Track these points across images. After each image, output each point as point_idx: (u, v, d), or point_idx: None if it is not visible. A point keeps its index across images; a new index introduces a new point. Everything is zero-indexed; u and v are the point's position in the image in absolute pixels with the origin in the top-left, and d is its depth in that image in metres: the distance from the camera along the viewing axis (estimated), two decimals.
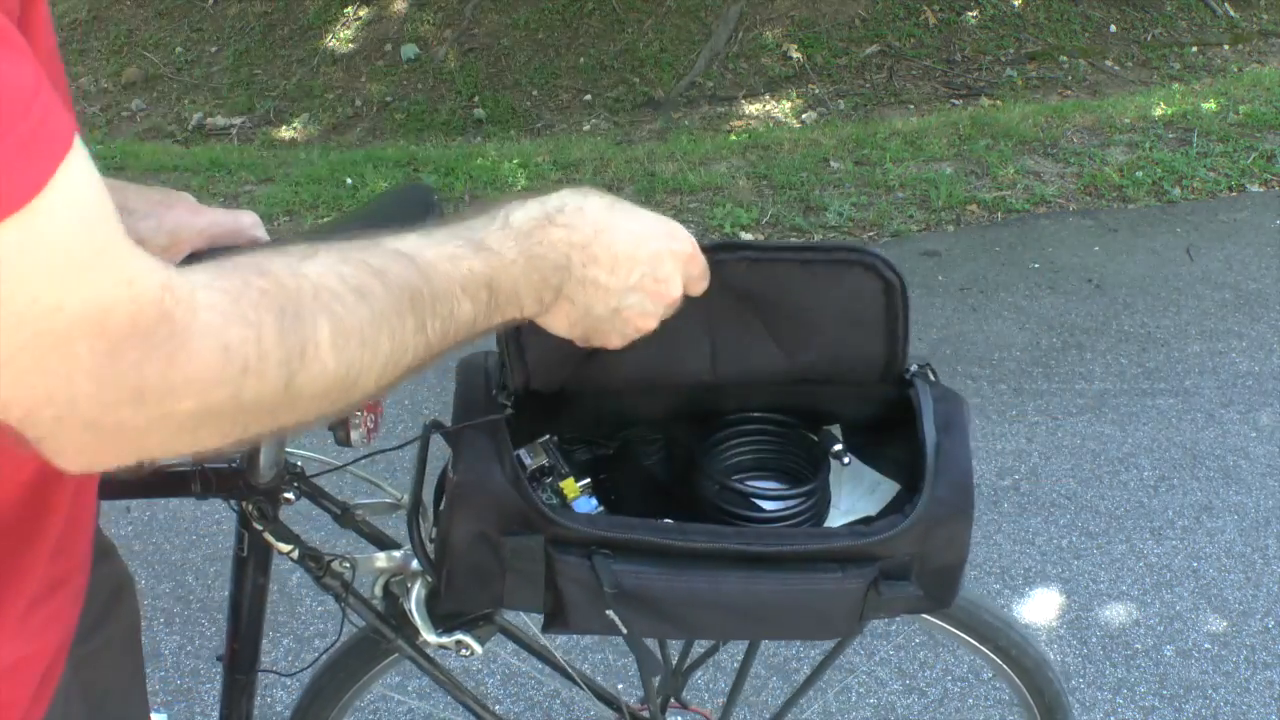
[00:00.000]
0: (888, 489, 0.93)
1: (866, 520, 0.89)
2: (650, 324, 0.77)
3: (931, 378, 0.92)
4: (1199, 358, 3.07)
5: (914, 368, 0.91)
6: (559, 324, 0.74)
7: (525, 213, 0.70)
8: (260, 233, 0.93)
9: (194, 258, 0.88)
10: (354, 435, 1.01)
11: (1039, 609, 2.19)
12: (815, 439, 0.93)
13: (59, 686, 0.73)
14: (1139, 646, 2.10)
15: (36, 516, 0.66)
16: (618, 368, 0.87)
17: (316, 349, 0.56)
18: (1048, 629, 2.14)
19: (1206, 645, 2.10)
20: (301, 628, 2.09)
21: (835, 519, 0.92)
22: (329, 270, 0.58)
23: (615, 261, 0.72)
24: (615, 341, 0.77)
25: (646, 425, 0.95)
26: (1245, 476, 2.57)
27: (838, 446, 0.91)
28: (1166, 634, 2.13)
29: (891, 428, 0.93)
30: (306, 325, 0.55)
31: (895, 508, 0.89)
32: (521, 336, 0.86)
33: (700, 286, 0.79)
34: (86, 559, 0.76)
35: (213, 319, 0.52)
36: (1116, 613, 2.19)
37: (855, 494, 0.94)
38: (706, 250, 0.82)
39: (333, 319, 0.57)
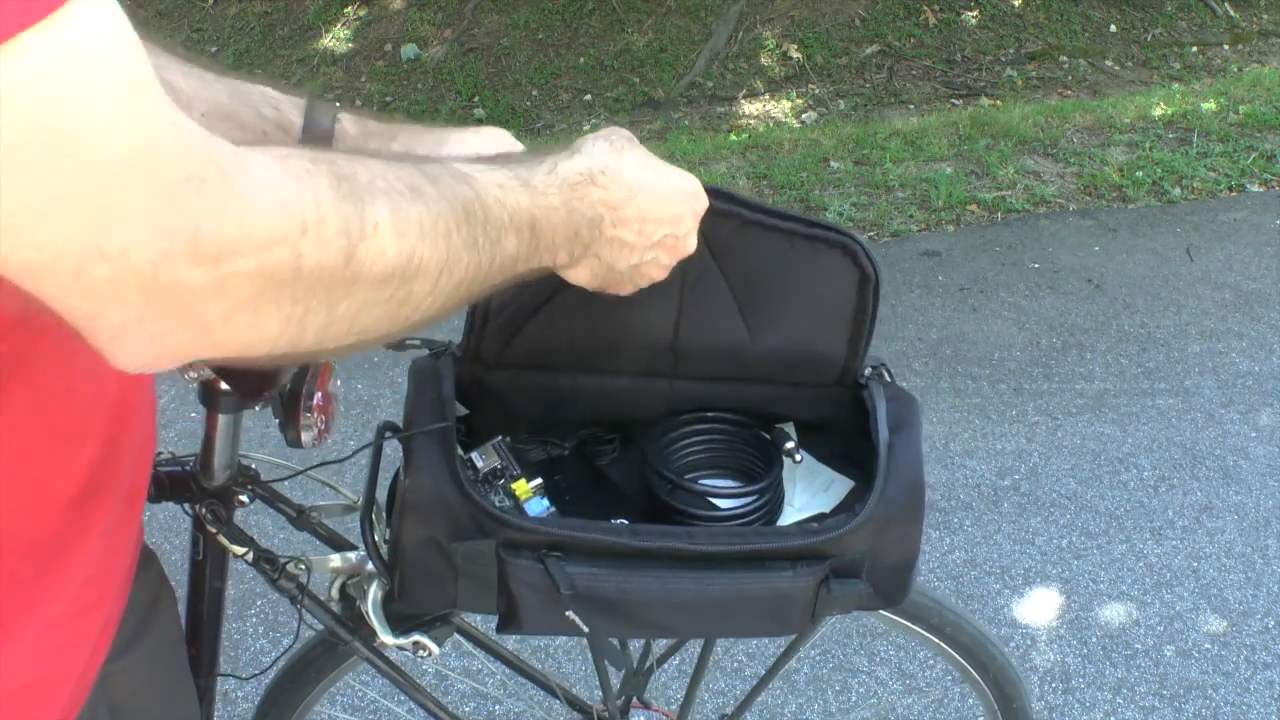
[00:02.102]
0: (842, 486, 0.93)
1: (820, 517, 0.89)
2: (663, 275, 0.80)
3: (886, 378, 0.92)
4: (1199, 358, 3.07)
5: (869, 370, 0.92)
6: (581, 276, 0.76)
7: (572, 165, 0.71)
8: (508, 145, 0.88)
9: None
10: (305, 436, 1.00)
11: (1039, 609, 2.19)
12: (768, 437, 0.93)
13: (84, 707, 0.72)
14: (1139, 646, 2.10)
15: (71, 536, 0.65)
16: (581, 321, 0.87)
17: (376, 227, 0.54)
18: (1048, 629, 2.14)
19: (1206, 645, 2.10)
20: (301, 629, 2.09)
21: (790, 516, 0.92)
22: (382, 166, 0.57)
23: (643, 223, 0.75)
24: (627, 289, 0.79)
25: (600, 425, 0.95)
26: (1245, 476, 2.57)
27: (790, 444, 0.91)
28: (1166, 634, 2.13)
29: (845, 426, 0.93)
30: (365, 202, 0.54)
31: (849, 505, 0.89)
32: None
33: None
34: (122, 588, 0.75)
35: (264, 175, 0.50)
36: (1116, 613, 2.19)
37: (810, 491, 0.94)
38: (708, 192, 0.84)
39: (391, 204, 0.55)
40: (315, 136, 0.83)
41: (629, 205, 0.73)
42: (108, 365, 0.65)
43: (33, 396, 0.59)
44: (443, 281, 0.59)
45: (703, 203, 0.79)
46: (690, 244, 0.79)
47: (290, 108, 0.84)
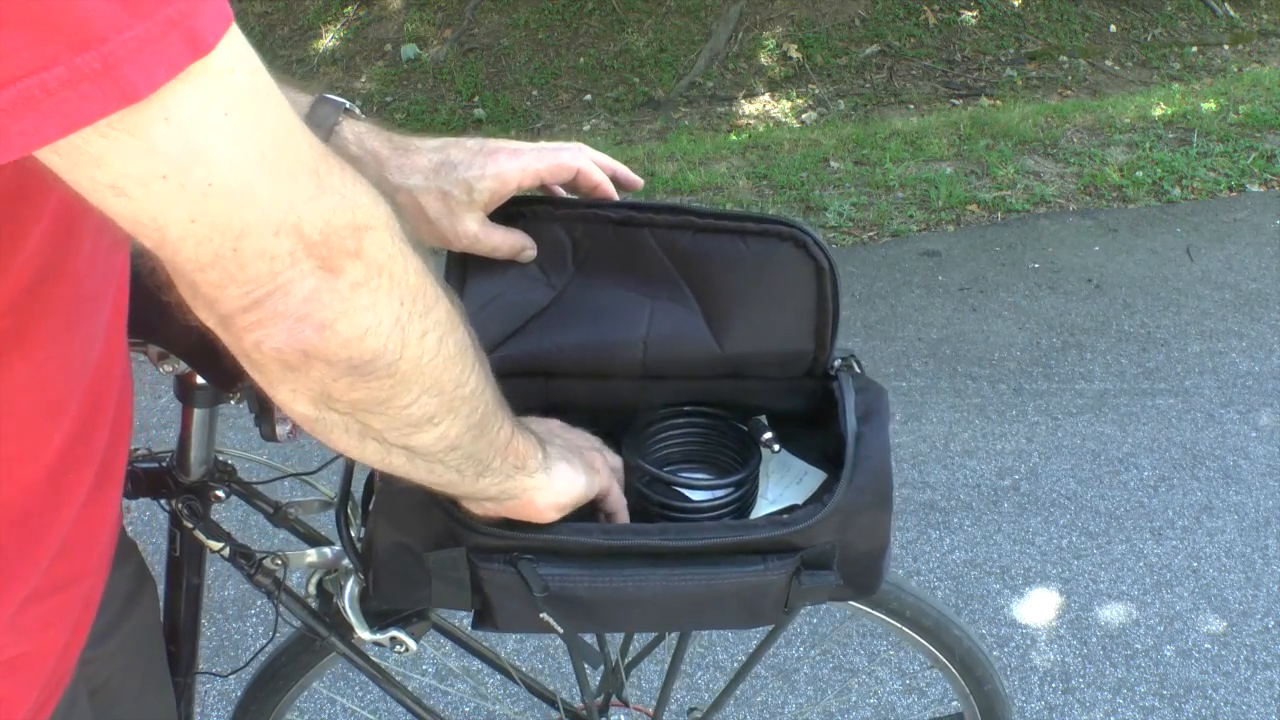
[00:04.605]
0: (814, 479, 0.94)
1: (792, 509, 0.89)
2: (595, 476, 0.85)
3: (856, 369, 0.92)
4: (1199, 358, 3.07)
5: (838, 362, 0.92)
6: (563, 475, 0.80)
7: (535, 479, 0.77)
8: (584, 162, 0.88)
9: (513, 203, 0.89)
10: (279, 429, 1.00)
11: (1039, 609, 2.19)
12: (745, 428, 0.94)
13: (67, 688, 0.72)
14: (1139, 646, 2.10)
15: (48, 509, 0.66)
16: (557, 333, 0.89)
17: (446, 311, 0.61)
18: (1048, 629, 2.14)
19: (1206, 645, 2.10)
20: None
21: (763, 508, 0.92)
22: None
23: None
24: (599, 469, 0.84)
25: (575, 418, 0.96)
26: (1245, 476, 2.57)
27: (768, 434, 0.91)
28: (1166, 634, 2.13)
29: (816, 419, 0.94)
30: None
31: (819, 497, 0.89)
32: (466, 275, 0.87)
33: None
34: (100, 565, 0.75)
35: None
36: (1116, 613, 2.19)
37: (783, 484, 0.94)
38: (651, 210, 0.86)
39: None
40: None
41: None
42: (93, 339, 0.66)
43: (32, 372, 0.60)
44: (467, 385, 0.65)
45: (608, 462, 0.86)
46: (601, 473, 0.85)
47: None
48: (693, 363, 0.90)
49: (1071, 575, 2.28)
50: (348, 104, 0.85)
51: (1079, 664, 2.06)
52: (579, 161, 0.87)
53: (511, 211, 0.87)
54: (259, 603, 2.13)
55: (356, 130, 0.84)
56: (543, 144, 0.87)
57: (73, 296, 0.62)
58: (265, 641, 1.92)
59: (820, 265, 0.87)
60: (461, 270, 0.88)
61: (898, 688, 2.00)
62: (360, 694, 1.96)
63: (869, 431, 0.86)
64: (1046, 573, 2.29)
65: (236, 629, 2.09)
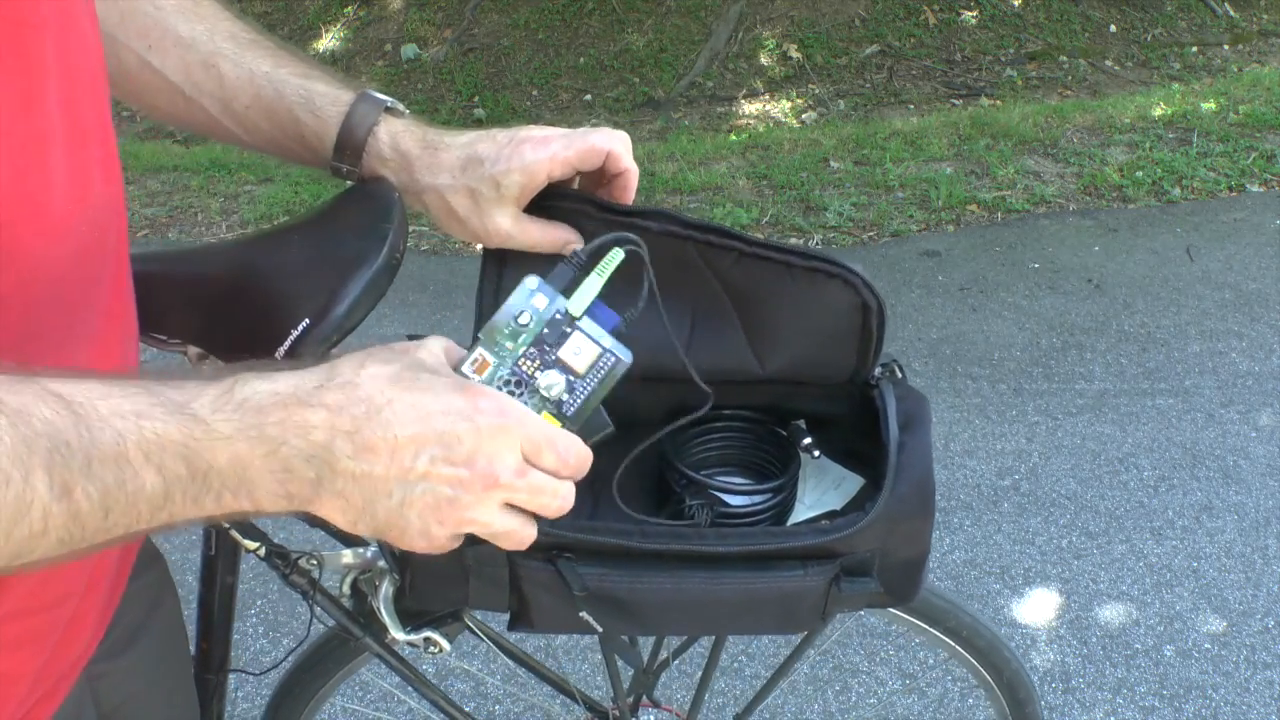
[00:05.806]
0: (852, 483, 0.94)
1: (831, 515, 0.89)
2: (470, 516, 0.62)
3: (898, 374, 0.92)
4: (1199, 358, 3.07)
5: (879, 370, 0.92)
6: (335, 517, 0.61)
7: (265, 385, 0.57)
8: (616, 145, 0.81)
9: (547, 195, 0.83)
10: None
11: (1039, 609, 2.19)
12: (785, 434, 0.93)
13: (65, 705, 0.71)
14: (1139, 646, 2.10)
15: None
16: None
17: None
18: (1048, 629, 2.14)
19: (1206, 645, 2.10)
20: (311, 624, 2.09)
21: (801, 513, 0.92)
22: None
23: (394, 447, 0.59)
24: (419, 544, 0.62)
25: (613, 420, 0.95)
26: (1245, 476, 2.57)
27: (807, 440, 0.91)
28: (1166, 634, 2.13)
29: (854, 422, 0.94)
30: None
31: (859, 503, 0.89)
32: (504, 269, 0.86)
33: (575, 469, 0.65)
34: (93, 585, 0.74)
35: None
36: (1116, 613, 2.19)
37: (821, 488, 0.94)
38: (701, 229, 0.83)
39: None
40: (348, 149, 0.82)
41: (369, 425, 0.58)
42: (65, 349, 0.64)
43: None
44: (8, 535, 0.49)
45: (492, 417, 0.61)
46: (501, 466, 0.61)
47: (332, 117, 0.82)
48: (732, 375, 0.90)
49: (1071, 575, 2.28)
50: (389, 101, 0.83)
51: (1079, 664, 2.06)
52: (611, 144, 0.81)
53: (550, 205, 0.85)
54: (259, 603, 2.14)
55: (392, 130, 0.83)
56: (576, 130, 0.82)
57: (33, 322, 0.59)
58: (270, 647, 1.93)
59: (869, 305, 0.86)
60: (499, 265, 0.87)
61: (897, 688, 2.01)
62: (361, 694, 1.96)
63: (910, 439, 0.85)
64: (1046, 573, 2.29)
65: (236, 628, 2.08)
